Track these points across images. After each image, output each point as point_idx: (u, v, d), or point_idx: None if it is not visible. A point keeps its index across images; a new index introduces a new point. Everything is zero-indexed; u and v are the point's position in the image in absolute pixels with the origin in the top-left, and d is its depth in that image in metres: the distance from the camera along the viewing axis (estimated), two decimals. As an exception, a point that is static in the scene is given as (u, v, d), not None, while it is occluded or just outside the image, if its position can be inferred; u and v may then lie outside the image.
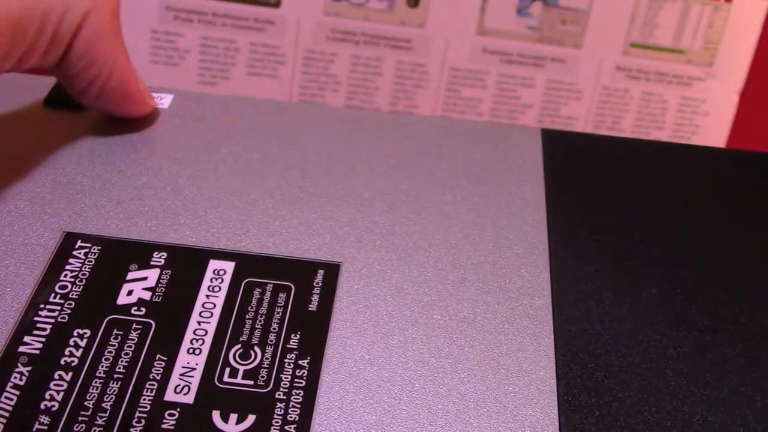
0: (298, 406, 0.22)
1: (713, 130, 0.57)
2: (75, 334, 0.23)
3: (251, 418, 0.22)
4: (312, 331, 0.24)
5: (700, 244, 0.28)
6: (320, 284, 0.25)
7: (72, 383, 0.22)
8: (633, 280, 0.27)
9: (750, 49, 0.55)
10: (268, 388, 0.23)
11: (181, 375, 0.23)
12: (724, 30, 0.54)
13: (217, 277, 0.25)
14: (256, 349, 0.23)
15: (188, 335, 0.23)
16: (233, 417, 0.22)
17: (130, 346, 0.23)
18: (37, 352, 0.23)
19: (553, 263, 0.27)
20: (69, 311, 0.24)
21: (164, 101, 0.31)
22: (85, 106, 0.29)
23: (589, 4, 0.53)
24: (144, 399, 0.22)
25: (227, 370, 0.23)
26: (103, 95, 0.28)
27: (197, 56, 0.50)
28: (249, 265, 0.25)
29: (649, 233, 0.28)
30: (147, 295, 0.24)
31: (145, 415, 0.22)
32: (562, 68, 0.54)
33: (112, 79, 0.28)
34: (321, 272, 0.25)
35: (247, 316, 0.24)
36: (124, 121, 0.30)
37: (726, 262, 0.28)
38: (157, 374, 0.23)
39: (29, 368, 0.22)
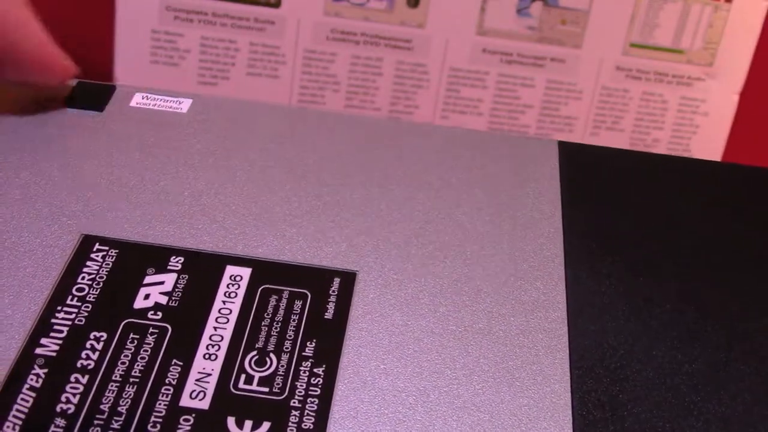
0: (313, 414, 0.22)
1: (713, 130, 0.57)
2: (92, 337, 0.23)
3: (266, 425, 0.22)
4: (328, 339, 0.24)
5: (715, 259, 0.28)
6: (336, 292, 0.25)
7: (88, 386, 0.22)
8: (648, 295, 0.27)
9: (750, 50, 0.55)
10: (284, 396, 0.23)
11: (197, 380, 0.23)
12: (724, 30, 0.54)
13: (233, 283, 0.25)
14: (272, 356, 0.23)
15: (204, 341, 0.24)
16: (248, 424, 0.22)
17: (147, 351, 0.23)
18: (54, 354, 0.23)
19: (569, 276, 0.27)
20: (86, 314, 0.24)
21: (183, 106, 0.31)
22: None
23: (589, 4, 0.52)
24: (159, 404, 0.22)
25: (243, 376, 0.23)
26: (19, 65, 0.28)
27: (197, 56, 0.50)
28: (265, 271, 0.25)
29: (665, 248, 0.28)
30: (164, 300, 0.24)
31: (160, 420, 0.22)
32: (562, 68, 0.54)
33: (24, 46, 0.28)
34: (337, 280, 0.25)
35: (263, 323, 0.24)
36: (144, 124, 0.30)
37: (740, 278, 0.28)
38: (173, 379, 0.23)
39: (45, 370, 0.22)
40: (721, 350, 0.25)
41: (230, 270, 0.25)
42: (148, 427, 0.22)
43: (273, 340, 0.24)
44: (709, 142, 0.57)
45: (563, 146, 0.31)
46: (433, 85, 0.53)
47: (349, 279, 0.25)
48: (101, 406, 0.22)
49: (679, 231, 0.29)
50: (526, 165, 0.30)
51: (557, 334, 0.25)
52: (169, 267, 0.25)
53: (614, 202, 0.30)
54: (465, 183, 0.29)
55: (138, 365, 0.23)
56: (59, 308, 0.24)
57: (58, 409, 0.22)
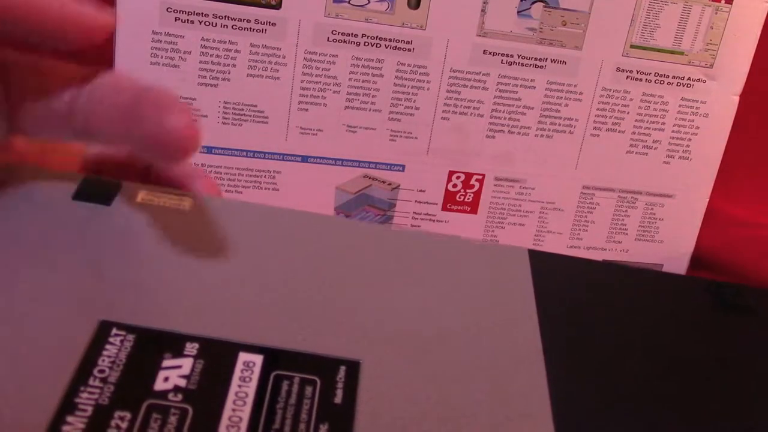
0: None
1: (713, 131, 0.57)
2: (116, 416, 0.24)
3: None
4: (340, 421, 0.26)
5: (675, 364, 0.31)
6: (343, 379, 0.27)
7: None
8: (620, 391, 0.29)
9: (750, 51, 0.55)
10: None
11: None
12: (724, 31, 0.54)
13: (247, 368, 0.26)
14: None
15: (224, 421, 0.25)
16: None
17: (170, 430, 0.24)
18: (81, 431, 0.24)
19: (548, 368, 0.29)
20: (109, 394, 0.25)
21: (185, 203, 0.32)
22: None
23: (590, 6, 0.53)
24: None
25: None
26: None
27: (198, 57, 0.50)
28: (276, 359, 0.27)
29: (632, 352, 0.31)
30: (183, 383, 0.25)
31: None
32: (562, 69, 0.54)
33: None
34: (343, 368, 0.27)
35: (277, 406, 0.26)
36: (150, 219, 0.31)
37: (702, 376, 0.31)
38: None
39: None
40: None
41: (243, 356, 0.27)
42: None
43: (288, 422, 0.25)
44: (709, 144, 0.57)
45: (533, 254, 0.34)
46: (434, 87, 0.53)
47: (353, 367, 0.27)
48: None
49: (644, 335, 0.32)
50: (500, 269, 0.33)
51: (542, 418, 0.27)
52: (185, 353, 0.26)
53: (585, 305, 0.33)
54: (449, 285, 0.32)
55: None
56: (82, 388, 0.25)
57: None
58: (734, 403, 0.30)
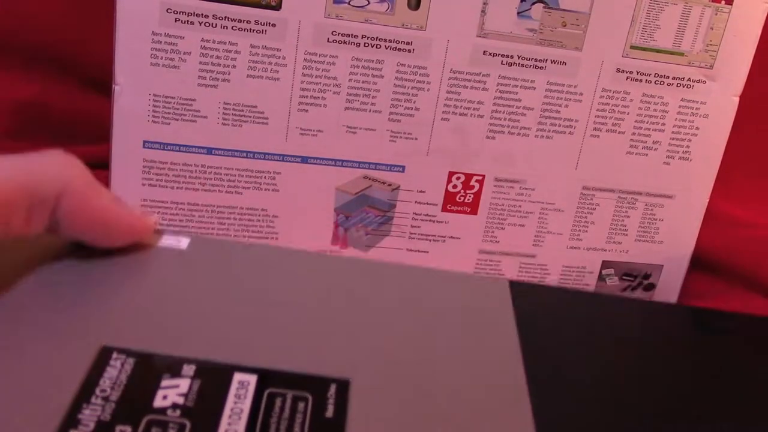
0: None
1: (713, 132, 0.57)
2: (117, 430, 0.25)
3: None
4: None
5: (658, 392, 0.32)
6: (334, 396, 0.28)
7: None
8: (603, 421, 0.30)
9: (750, 52, 0.55)
10: None
11: None
12: (724, 32, 0.54)
13: (242, 387, 0.28)
14: None
15: None
16: None
17: None
18: None
19: (532, 396, 0.30)
20: (110, 410, 0.26)
21: (182, 243, 0.35)
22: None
23: (590, 7, 0.53)
24: None
25: None
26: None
27: (197, 58, 0.50)
28: (270, 378, 0.28)
29: (614, 382, 0.32)
30: (180, 400, 0.27)
31: None
32: (562, 70, 0.54)
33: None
34: (333, 386, 0.29)
35: (271, 420, 0.27)
36: (148, 256, 0.33)
37: (680, 408, 0.31)
38: None
39: None
40: None
41: (238, 376, 0.28)
42: None
43: None
44: (709, 144, 0.57)
45: (513, 285, 0.35)
46: (434, 87, 0.53)
47: (343, 385, 0.29)
48: None
49: (627, 363, 0.33)
50: (482, 300, 0.35)
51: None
52: (182, 373, 0.28)
53: (565, 333, 0.34)
54: (433, 315, 0.33)
55: None
56: (85, 405, 0.26)
57: None
58: (718, 428, 0.30)
